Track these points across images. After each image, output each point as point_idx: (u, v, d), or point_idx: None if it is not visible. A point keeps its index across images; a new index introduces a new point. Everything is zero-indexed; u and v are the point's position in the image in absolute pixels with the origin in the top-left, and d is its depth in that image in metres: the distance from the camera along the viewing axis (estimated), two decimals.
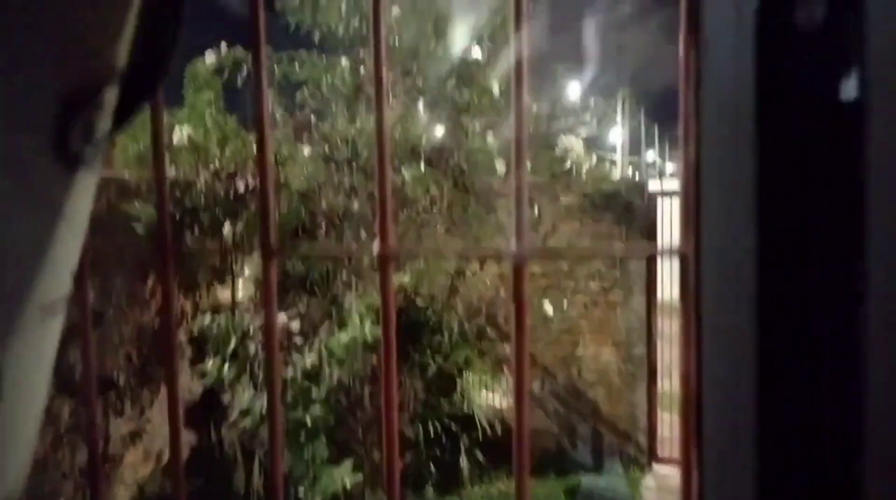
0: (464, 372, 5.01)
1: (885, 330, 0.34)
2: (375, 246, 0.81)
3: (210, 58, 4.57)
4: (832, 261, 0.35)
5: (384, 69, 0.82)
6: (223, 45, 4.65)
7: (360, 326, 3.97)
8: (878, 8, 0.32)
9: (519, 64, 0.75)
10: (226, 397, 4.25)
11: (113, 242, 4.66)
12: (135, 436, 4.89)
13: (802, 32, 0.33)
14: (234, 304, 4.84)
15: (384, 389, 0.84)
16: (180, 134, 4.34)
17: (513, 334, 0.79)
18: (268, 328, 0.90)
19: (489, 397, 5.40)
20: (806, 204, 0.35)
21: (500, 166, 4.46)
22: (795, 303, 0.36)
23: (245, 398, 4.04)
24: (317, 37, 4.60)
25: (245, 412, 4.04)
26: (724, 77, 0.36)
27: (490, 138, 4.45)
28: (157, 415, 4.88)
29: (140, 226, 4.35)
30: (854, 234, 0.34)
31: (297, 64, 4.53)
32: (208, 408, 4.53)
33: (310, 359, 4.00)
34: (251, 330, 4.22)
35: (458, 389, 4.93)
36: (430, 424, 4.66)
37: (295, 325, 4.32)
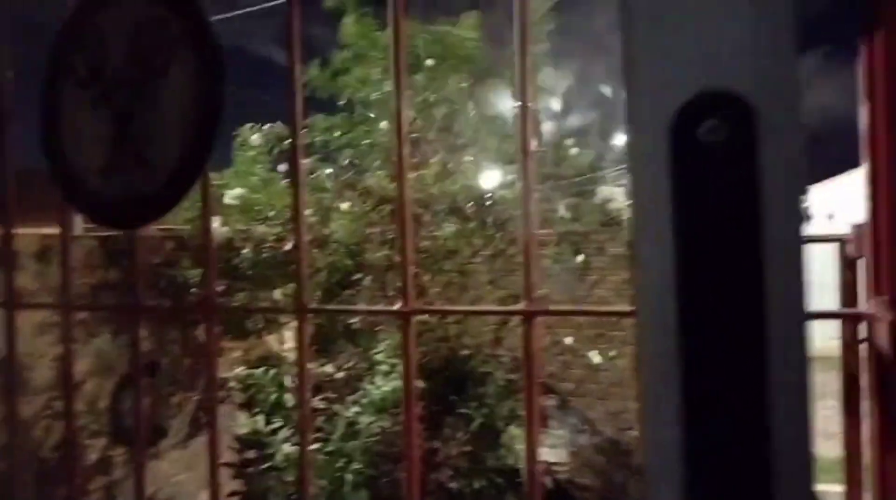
0: (509, 426, 4.91)
1: None
2: (397, 304, 0.85)
3: (255, 137, 4.84)
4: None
5: (403, 135, 0.87)
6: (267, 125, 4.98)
7: (394, 377, 3.97)
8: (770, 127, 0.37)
9: (523, 117, 0.79)
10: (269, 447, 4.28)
11: (168, 293, 4.85)
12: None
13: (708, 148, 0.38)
14: (278, 356, 4.92)
15: (406, 443, 0.86)
16: (232, 193, 4.54)
17: (524, 387, 0.80)
18: (300, 381, 0.94)
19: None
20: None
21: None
22: None
23: (284, 449, 4.05)
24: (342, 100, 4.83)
25: (285, 463, 4.05)
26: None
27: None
28: (204, 464, 4.93)
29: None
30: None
31: (334, 129, 4.74)
32: (253, 457, 4.56)
33: (351, 410, 4.01)
34: (288, 382, 4.27)
35: (503, 442, 4.82)
36: (474, 478, 4.56)
37: (339, 376, 4.35)
